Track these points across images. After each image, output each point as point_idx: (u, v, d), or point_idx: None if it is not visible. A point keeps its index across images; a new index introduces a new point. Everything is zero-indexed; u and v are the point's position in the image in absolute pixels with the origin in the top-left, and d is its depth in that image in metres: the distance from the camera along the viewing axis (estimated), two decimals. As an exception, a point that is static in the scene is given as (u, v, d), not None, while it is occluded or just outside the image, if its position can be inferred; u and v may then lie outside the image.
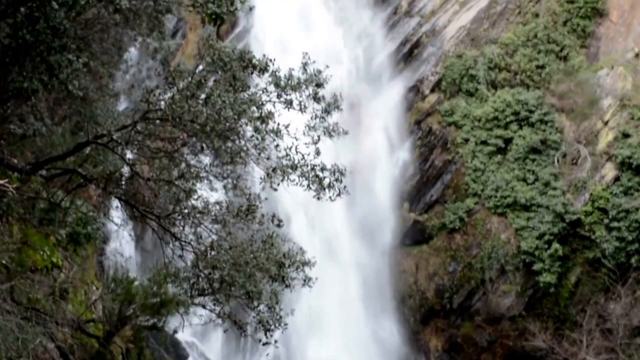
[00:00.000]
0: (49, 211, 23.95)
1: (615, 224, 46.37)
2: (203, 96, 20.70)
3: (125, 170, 23.93)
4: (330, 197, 22.51)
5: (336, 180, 22.25)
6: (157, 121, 21.26)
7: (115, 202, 26.83)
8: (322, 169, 22.05)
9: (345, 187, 22.57)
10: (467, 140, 50.05)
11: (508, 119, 49.25)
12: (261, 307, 24.69)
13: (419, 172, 51.18)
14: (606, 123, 48.61)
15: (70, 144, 23.77)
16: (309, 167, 21.86)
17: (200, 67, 22.56)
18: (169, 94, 21.08)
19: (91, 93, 24.64)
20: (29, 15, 17.60)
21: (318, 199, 22.34)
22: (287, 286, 24.56)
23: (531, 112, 48.98)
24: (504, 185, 48.49)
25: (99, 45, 25.61)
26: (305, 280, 25.07)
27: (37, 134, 22.16)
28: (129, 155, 23.50)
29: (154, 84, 26.89)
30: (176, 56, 49.80)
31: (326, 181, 22.15)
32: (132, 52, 36.85)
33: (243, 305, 24.93)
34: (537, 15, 52.49)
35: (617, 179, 47.33)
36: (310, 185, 22.05)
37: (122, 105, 37.52)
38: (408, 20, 55.58)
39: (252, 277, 23.54)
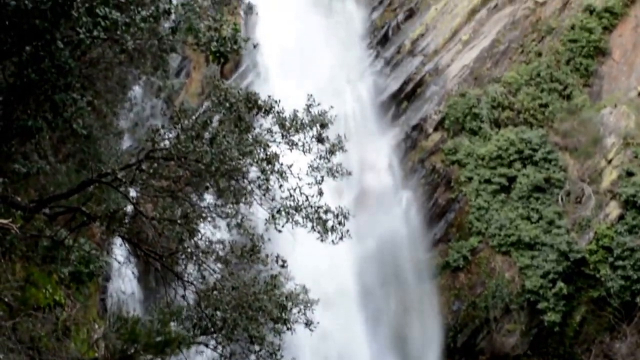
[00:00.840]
0: (52, 249, 23.88)
1: (620, 262, 46.24)
2: (208, 136, 20.70)
3: (129, 208, 23.90)
4: (333, 240, 22.47)
5: (339, 223, 22.20)
6: (162, 160, 21.24)
7: (119, 240, 26.78)
8: (326, 211, 22.00)
9: (347, 230, 22.51)
10: (470, 179, 50.03)
11: (512, 158, 49.27)
12: (262, 352, 24.57)
13: (422, 211, 51.11)
14: (610, 161, 48.61)
15: (74, 183, 23.75)
16: (313, 209, 21.82)
17: (205, 105, 22.62)
18: (173, 133, 21.09)
19: (95, 131, 24.67)
20: (34, 54, 17.63)
21: (322, 241, 22.28)
22: (288, 329, 24.47)
23: (535, 150, 49.02)
24: (508, 224, 48.41)
25: (104, 84, 25.67)
26: (307, 323, 24.98)
27: (40, 172, 22.13)
28: (132, 193, 23.47)
29: (158, 122, 26.95)
30: (180, 94, 49.99)
31: (329, 224, 22.09)
32: (136, 91, 36.94)
33: (245, 348, 24.80)
34: (540, 54, 52.68)
35: (621, 217, 47.25)
36: (314, 227, 21.98)
37: (126, 143, 37.58)
38: (411, 59, 55.79)
39: (254, 320, 23.44)
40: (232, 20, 23.58)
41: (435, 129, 52.02)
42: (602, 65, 52.58)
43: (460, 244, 49.68)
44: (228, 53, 19.88)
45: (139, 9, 18.34)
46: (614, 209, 47.66)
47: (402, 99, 54.19)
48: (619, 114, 49.79)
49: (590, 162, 49.43)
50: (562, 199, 48.54)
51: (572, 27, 52.22)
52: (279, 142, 21.67)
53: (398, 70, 55.77)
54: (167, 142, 21.19)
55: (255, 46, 21.59)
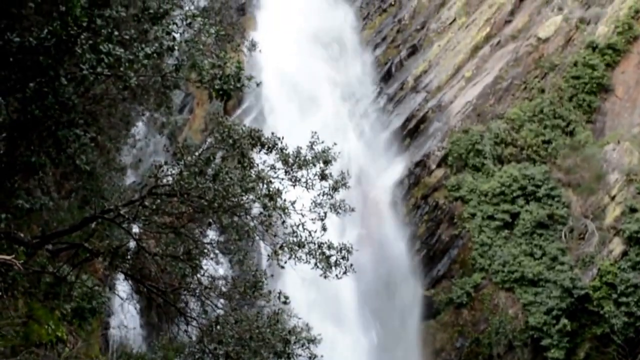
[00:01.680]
0: (54, 285, 23.81)
1: (624, 299, 46.11)
2: (211, 172, 20.70)
3: (132, 244, 23.86)
4: (336, 275, 22.41)
5: (343, 258, 22.16)
6: (165, 196, 21.23)
7: (121, 276, 26.73)
8: (329, 247, 21.96)
9: (351, 265, 22.45)
10: (473, 215, 49.99)
11: (515, 194, 49.25)
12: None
13: (425, 247, 51.06)
14: (613, 198, 48.59)
15: (77, 219, 23.75)
16: (316, 245, 21.78)
17: (208, 141, 22.65)
18: (176, 170, 21.09)
19: (98, 167, 24.70)
20: (37, 90, 17.66)
21: (325, 277, 22.21)
22: None
23: (538, 187, 49.01)
24: (511, 260, 48.32)
25: (107, 120, 25.74)
26: (310, 357, 24.87)
27: (43, 208, 22.11)
28: (135, 229, 23.45)
29: (161, 158, 26.99)
30: (183, 131, 50.10)
31: (333, 259, 22.05)
32: (140, 127, 37.09)
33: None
34: (542, 91, 52.79)
35: (624, 253, 47.14)
36: (317, 264, 21.94)
37: (129, 179, 37.65)
38: (414, 95, 55.97)
39: (257, 353, 23.34)
40: (236, 58, 23.68)
41: (439, 165, 52.04)
42: (605, 102, 52.66)
43: (464, 280, 49.57)
44: (231, 90, 19.88)
45: (143, 45, 18.41)
46: (617, 246, 47.57)
47: (405, 136, 54.31)
48: (622, 151, 49.80)
49: (593, 198, 49.40)
50: (565, 236, 48.46)
51: (575, 64, 52.37)
52: (282, 179, 21.69)
53: (401, 107, 55.94)
54: (170, 179, 21.20)
55: (258, 85, 21.54)
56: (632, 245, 46.85)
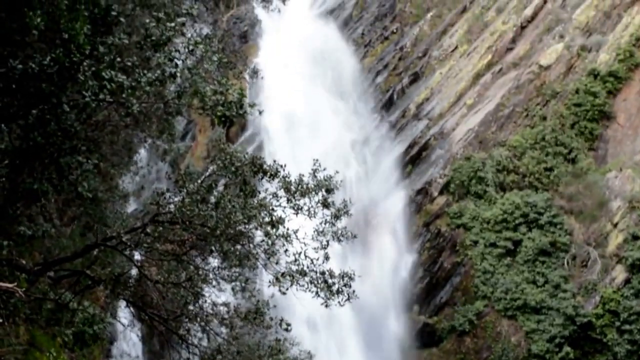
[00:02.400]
0: (56, 312, 23.75)
1: (627, 326, 45.96)
2: (213, 199, 20.71)
3: (134, 272, 23.84)
4: (339, 302, 22.34)
5: (345, 285, 22.11)
6: (167, 224, 21.22)
7: (123, 303, 26.66)
8: (331, 275, 21.92)
9: (354, 291, 22.40)
10: (476, 243, 49.92)
11: (517, 221, 49.20)
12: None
13: (428, 275, 50.98)
14: (615, 225, 48.50)
15: (79, 246, 23.75)
16: (318, 273, 21.74)
17: (211, 168, 22.64)
18: (178, 197, 21.10)
19: (100, 194, 24.69)
20: (40, 117, 17.68)
21: (326, 306, 22.16)
22: None
23: (540, 214, 48.96)
24: (514, 288, 48.21)
25: (109, 147, 25.75)
26: None
27: (46, 235, 22.09)
28: (137, 256, 23.43)
29: (164, 186, 26.97)
30: (186, 158, 50.18)
31: (335, 287, 22.00)
32: (142, 154, 37.11)
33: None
34: (544, 118, 52.85)
35: (627, 281, 47.01)
36: (319, 292, 21.88)
37: (132, 206, 37.65)
38: (416, 123, 56.08)
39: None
40: (238, 85, 23.73)
41: (441, 193, 52.03)
42: (607, 129, 52.69)
43: (466, 307, 49.43)
44: (234, 117, 19.90)
45: (145, 72, 18.44)
46: (620, 273, 47.44)
47: (407, 163, 54.37)
48: (624, 178, 49.78)
49: (595, 225, 49.34)
50: (567, 263, 48.36)
51: (577, 91, 52.45)
52: (285, 207, 21.68)
53: (403, 134, 56.03)
54: (172, 206, 21.20)
55: (260, 112, 21.57)
56: (635, 272, 46.74)
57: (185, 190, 21.22)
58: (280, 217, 21.42)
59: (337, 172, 22.79)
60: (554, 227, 48.95)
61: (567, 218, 49.56)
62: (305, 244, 21.73)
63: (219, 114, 19.67)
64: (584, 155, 51.82)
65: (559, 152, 51.66)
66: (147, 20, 19.38)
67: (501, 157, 51.34)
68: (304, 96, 54.70)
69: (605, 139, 52.68)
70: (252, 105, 20.38)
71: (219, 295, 24.53)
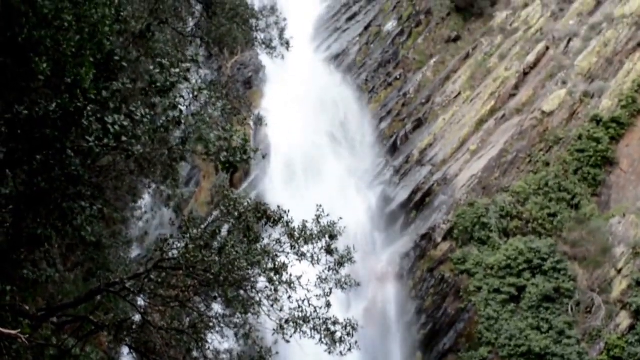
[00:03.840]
0: (59, 358, 23.66)
1: (632, 373, 45.71)
2: (216, 245, 20.73)
3: (137, 317, 23.78)
4: (341, 352, 22.29)
5: (348, 334, 22.07)
6: (170, 270, 21.23)
7: (126, 350, 26.57)
8: (334, 323, 21.89)
9: (356, 342, 22.37)
10: (480, 289, 49.73)
11: (521, 267, 49.01)
12: None
13: (431, 321, 50.75)
14: (619, 271, 48.32)
15: (82, 291, 23.72)
16: (321, 321, 21.71)
17: (214, 214, 22.74)
18: (182, 243, 21.12)
19: (104, 240, 24.74)
20: (44, 162, 17.75)
21: (329, 353, 22.09)
22: None
23: (544, 260, 48.80)
24: (518, 334, 47.92)
25: (113, 192, 25.83)
26: None
27: (49, 280, 22.10)
28: (140, 302, 23.39)
29: (167, 231, 26.99)
30: (189, 203, 50.20)
31: (338, 335, 21.95)
32: (146, 199, 37.15)
33: None
34: (547, 164, 52.86)
35: (632, 327, 46.73)
36: (322, 340, 21.83)
37: (135, 251, 37.65)
38: (420, 168, 56.15)
39: None
40: (242, 131, 23.82)
41: (444, 239, 51.96)
42: (610, 175, 52.65)
43: (470, 354, 49.11)
44: (237, 163, 19.97)
45: (149, 118, 18.52)
46: (624, 319, 47.18)
47: (411, 209, 54.37)
48: (627, 224, 49.67)
49: (599, 271, 49.15)
50: (572, 309, 48.12)
51: (580, 137, 52.50)
52: (288, 253, 21.70)
53: (407, 180, 56.09)
54: (175, 252, 21.21)
55: (264, 157, 21.72)
56: (639, 319, 46.53)
57: (188, 236, 21.24)
58: (284, 264, 21.43)
59: (340, 218, 22.83)
60: (558, 273, 48.76)
61: (571, 264, 49.38)
62: (308, 291, 21.71)
63: (223, 160, 19.74)
64: (587, 201, 51.74)
65: (563, 198, 51.60)
66: (152, 67, 19.50)
67: (505, 203, 51.31)
68: (308, 142, 54.87)
69: (608, 184, 52.63)
70: (255, 151, 20.47)
71: (222, 342, 24.47)
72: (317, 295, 21.88)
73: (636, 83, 53.29)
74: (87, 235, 20.15)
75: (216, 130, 20.52)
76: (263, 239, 21.57)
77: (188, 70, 19.91)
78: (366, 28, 66.91)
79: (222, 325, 23.33)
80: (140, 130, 18.10)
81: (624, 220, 49.89)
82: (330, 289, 22.18)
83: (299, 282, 21.66)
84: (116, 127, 17.32)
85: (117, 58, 18.14)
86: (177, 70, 19.10)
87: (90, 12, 17.21)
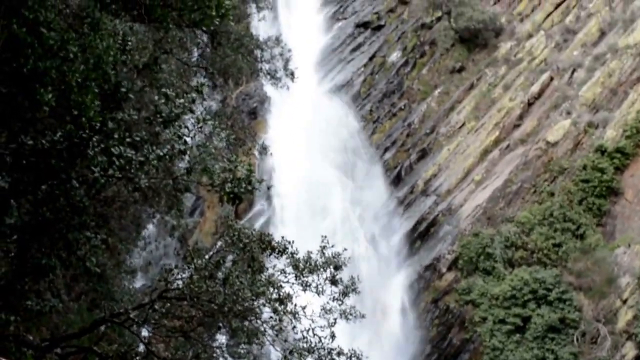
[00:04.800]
0: (62, 389, 23.63)
1: (638, 404, 45.48)
2: (221, 276, 20.73)
3: (141, 348, 23.74)
4: (344, 384, 22.26)
5: (353, 366, 22.07)
6: (174, 300, 21.22)
7: (130, 380, 26.50)
8: (339, 353, 21.84)
9: (360, 375, 22.35)
10: (485, 319, 49.57)
11: (526, 298, 48.88)
12: None
13: (436, 351, 50.59)
14: (625, 301, 48.18)
15: (86, 321, 23.71)
16: (326, 351, 21.66)
17: (219, 244, 22.76)
18: (186, 273, 21.13)
19: (108, 270, 24.72)
20: (49, 192, 17.77)
21: (334, 383, 22.07)
22: None
23: (549, 290, 48.65)
24: (524, 365, 47.80)
25: (118, 222, 25.86)
26: None
27: (53, 310, 22.06)
28: (144, 333, 23.36)
29: (172, 261, 26.97)
30: (194, 234, 50.19)
31: (343, 366, 21.95)
32: (150, 229, 37.19)
33: None
34: (552, 194, 52.84)
35: (638, 358, 46.49)
36: (327, 370, 21.81)
37: (139, 282, 37.63)
38: (424, 199, 56.15)
39: None
40: (247, 161, 23.85)
41: (449, 269, 51.89)
42: (615, 205, 52.60)
43: (476, 385, 49.04)
44: (242, 194, 19.98)
45: (154, 148, 18.56)
46: (630, 350, 46.99)
47: (416, 239, 54.32)
48: (632, 254, 49.57)
49: (605, 302, 49.00)
50: (577, 340, 47.92)
51: (584, 167, 52.50)
52: (293, 283, 21.69)
53: (411, 210, 56.08)
54: (180, 282, 21.22)
55: (269, 188, 21.78)
56: (645, 349, 46.41)
57: (193, 266, 21.25)
58: (288, 294, 21.42)
59: (345, 249, 22.85)
60: (563, 303, 48.61)
61: (576, 294, 49.24)
62: (313, 321, 21.68)
63: (227, 191, 19.75)
64: (592, 231, 51.66)
65: (567, 228, 51.52)
66: (156, 97, 19.56)
67: (509, 233, 51.24)
68: (312, 172, 54.91)
69: (613, 215, 52.57)
70: (260, 182, 20.47)
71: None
72: (321, 326, 21.85)
73: (640, 113, 53.39)
74: (91, 266, 20.14)
75: (221, 161, 20.57)
76: (267, 269, 21.58)
77: (193, 101, 19.97)
78: (371, 59, 67.06)
79: (226, 355, 23.30)
80: (146, 161, 18.13)
81: (629, 250, 49.80)
82: (335, 320, 22.16)
83: (304, 313, 21.64)
84: (121, 159, 17.35)
85: (123, 89, 18.19)
86: (182, 100, 19.17)
87: (95, 42, 17.29)
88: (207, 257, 21.78)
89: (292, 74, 38.56)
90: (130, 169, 17.87)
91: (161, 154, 18.38)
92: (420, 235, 54.38)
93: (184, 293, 20.74)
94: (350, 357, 22.09)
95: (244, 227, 21.65)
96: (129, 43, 20.03)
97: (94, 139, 17.13)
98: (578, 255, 50.26)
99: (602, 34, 59.66)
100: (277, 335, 21.56)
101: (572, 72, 57.95)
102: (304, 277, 21.66)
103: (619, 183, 52.52)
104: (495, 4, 67.27)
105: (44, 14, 15.95)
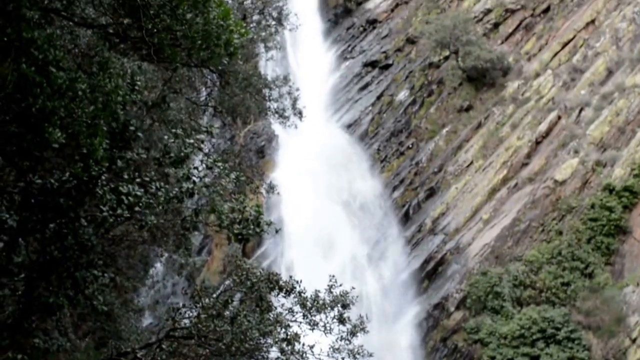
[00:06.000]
0: None
1: None
2: (229, 315, 20.69)
3: (148, 388, 23.64)
4: None
5: (362, 405, 21.97)
6: (182, 339, 21.16)
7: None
8: (347, 393, 21.79)
9: (369, 417, 22.26)
10: (493, 358, 49.35)
11: (534, 337, 48.69)
12: None
13: (445, 390, 50.39)
14: (634, 340, 47.94)
15: (94, 361, 23.62)
16: (334, 391, 21.62)
17: (227, 283, 22.70)
18: (194, 312, 21.09)
19: (116, 309, 24.68)
20: (57, 231, 17.77)
21: (342, 422, 21.98)
22: None
23: (558, 329, 48.48)
24: (532, 405, 47.56)
25: (126, 261, 25.86)
26: None
27: (60, 349, 21.98)
28: (151, 371, 23.28)
29: (179, 300, 26.92)
30: (202, 272, 50.14)
31: (351, 406, 21.86)
32: (158, 268, 37.16)
33: None
34: (560, 233, 52.77)
35: (647, 397, 46.37)
36: (335, 410, 21.72)
37: (147, 320, 37.56)
38: (432, 238, 56.09)
39: None
40: (255, 200, 23.89)
41: (457, 308, 51.74)
42: (624, 244, 52.47)
43: None
44: (250, 236, 19.99)
45: (163, 188, 18.57)
46: (640, 389, 46.81)
47: (424, 278, 54.21)
48: (642, 293, 49.48)
49: (614, 341, 48.77)
50: (587, 379, 47.75)
51: (592, 206, 52.44)
52: (300, 322, 21.64)
53: (419, 249, 56.01)
54: (187, 321, 21.17)
55: (277, 231, 21.70)
56: (655, 389, 46.15)
57: (200, 305, 21.22)
58: (296, 333, 21.37)
59: (353, 287, 22.82)
60: (572, 342, 48.41)
61: (585, 333, 49.04)
62: (320, 360, 21.63)
63: (235, 231, 19.75)
64: (600, 270, 51.52)
65: (576, 267, 51.41)
66: (166, 137, 19.61)
67: (518, 272, 51.12)
68: (320, 210, 54.92)
69: (621, 253, 52.43)
70: (269, 224, 20.46)
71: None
72: (329, 366, 21.79)
73: (648, 152, 53.38)
74: (98, 304, 20.11)
75: (229, 201, 20.58)
76: (275, 308, 21.55)
77: (202, 141, 20.03)
78: (378, 97, 67.28)
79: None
80: (154, 201, 18.15)
81: (637, 289, 49.62)
82: (343, 359, 22.06)
83: (312, 352, 21.57)
84: (130, 198, 17.37)
85: (132, 128, 18.26)
86: (191, 140, 19.22)
87: (104, 82, 17.36)
88: (214, 296, 21.74)
89: (300, 112, 38.63)
90: (139, 208, 17.88)
91: (170, 194, 18.40)
92: (429, 274, 54.27)
93: (191, 332, 20.69)
94: (360, 396, 22.06)
95: (252, 266, 21.65)
96: (138, 82, 20.13)
97: (103, 178, 17.16)
98: (587, 294, 50.11)
99: (610, 73, 59.82)
100: (285, 375, 21.50)
101: (580, 111, 58.06)
102: (311, 316, 21.62)
103: (628, 222, 52.42)
104: (502, 43, 67.52)
105: (53, 53, 16.02)
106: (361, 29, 74.66)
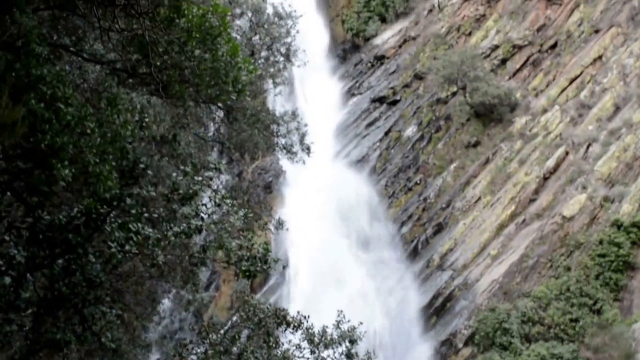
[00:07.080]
0: None
1: None
2: (236, 351, 20.66)
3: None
4: None
5: None
6: (190, 375, 21.15)
7: None
8: None
9: None
10: (502, 395, 49.20)
11: (543, 374, 48.56)
12: None
13: None
14: (643, 377, 47.82)
15: (101, 398, 23.52)
16: None
17: (234, 319, 22.71)
18: (202, 348, 21.06)
19: (123, 345, 24.60)
20: (65, 267, 17.78)
21: None
22: None
23: (566, 366, 48.34)
24: None
25: (133, 297, 25.82)
26: None
27: (67, 385, 21.96)
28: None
29: (187, 336, 26.89)
30: (209, 308, 50.10)
31: None
32: (166, 304, 37.09)
33: None
34: (569, 269, 52.66)
35: None
36: None
37: (154, 356, 37.42)
38: (440, 273, 56.01)
39: None
40: (263, 236, 23.92)
41: (465, 344, 51.56)
42: (632, 280, 52.34)
43: None
44: (258, 272, 20.01)
45: (171, 225, 18.61)
46: None
47: (432, 314, 54.08)
48: (651, 330, 49.29)
49: (623, 378, 48.61)
50: (597, 417, 47.50)
51: (601, 242, 52.35)
52: (308, 358, 21.61)
53: (427, 284, 55.93)
54: (194, 357, 21.14)
55: (284, 267, 21.78)
56: None
57: (208, 341, 21.20)
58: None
59: (361, 323, 22.80)
60: (581, 379, 48.30)
61: (593, 370, 48.92)
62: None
63: (243, 268, 19.77)
64: (609, 306, 51.39)
65: (584, 303, 51.27)
66: (174, 174, 19.66)
67: (526, 308, 50.99)
68: (328, 246, 54.94)
69: (630, 289, 52.30)
70: (276, 261, 20.48)
71: None
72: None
73: (656, 187, 53.36)
74: (106, 341, 20.09)
75: (237, 238, 20.61)
76: (283, 344, 21.53)
77: (211, 178, 20.08)
78: (386, 133, 67.47)
79: None
80: (163, 238, 18.18)
81: (646, 325, 49.49)
82: (351, 396, 22.05)
83: (320, 388, 21.56)
84: (139, 235, 17.40)
85: (142, 165, 18.32)
86: (200, 178, 19.27)
87: (113, 117, 17.44)
88: (222, 331, 21.72)
89: (308, 148, 38.69)
90: (148, 245, 17.91)
91: (178, 230, 18.42)
92: (437, 310, 54.15)
93: (199, 369, 20.69)
94: None
95: (260, 302, 21.66)
96: (146, 119, 20.23)
97: (112, 215, 17.21)
98: (595, 330, 49.93)
99: (617, 108, 59.89)
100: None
101: (588, 147, 58.10)
102: (319, 351, 21.59)
103: (636, 257, 52.32)
104: (510, 79, 67.70)
105: (62, 89, 16.10)
106: (369, 64, 75.01)
